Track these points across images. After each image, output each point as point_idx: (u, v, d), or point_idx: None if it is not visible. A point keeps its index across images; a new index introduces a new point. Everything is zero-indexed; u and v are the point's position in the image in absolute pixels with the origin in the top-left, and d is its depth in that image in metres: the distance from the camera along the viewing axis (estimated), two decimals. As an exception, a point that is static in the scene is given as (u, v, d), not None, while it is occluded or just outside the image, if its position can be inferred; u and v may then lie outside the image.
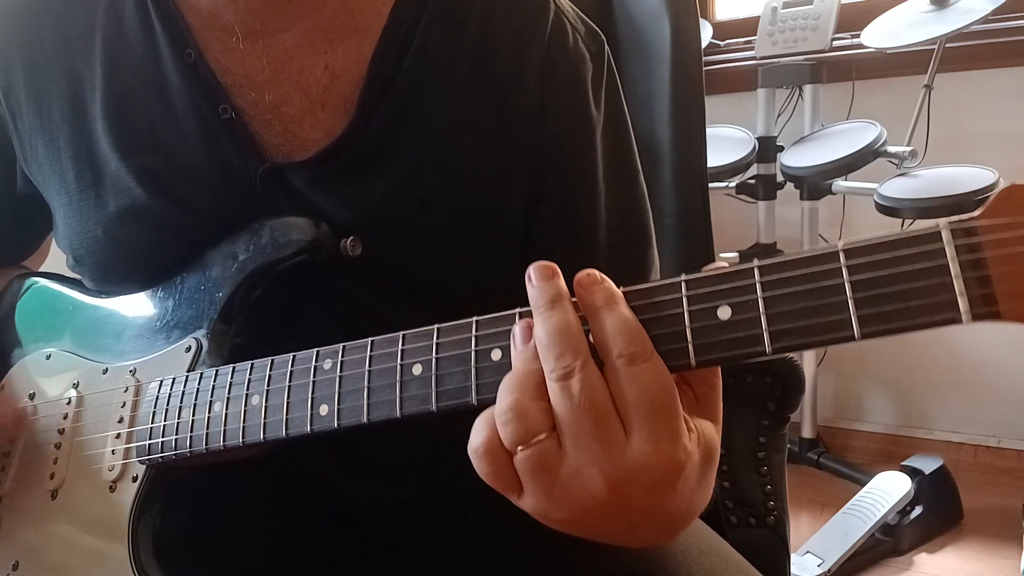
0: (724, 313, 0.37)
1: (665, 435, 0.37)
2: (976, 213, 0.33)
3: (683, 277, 0.39)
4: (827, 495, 1.88)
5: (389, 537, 0.65)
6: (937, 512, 1.73)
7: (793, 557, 1.52)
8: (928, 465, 1.75)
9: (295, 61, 0.59)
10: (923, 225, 0.34)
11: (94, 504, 0.58)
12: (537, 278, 0.40)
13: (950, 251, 0.33)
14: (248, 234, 0.58)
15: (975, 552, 1.68)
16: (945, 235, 0.33)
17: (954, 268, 0.33)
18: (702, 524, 0.69)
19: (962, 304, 0.33)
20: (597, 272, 0.40)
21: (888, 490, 1.67)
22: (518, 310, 0.42)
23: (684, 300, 0.38)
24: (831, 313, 0.35)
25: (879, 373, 2.19)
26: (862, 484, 1.74)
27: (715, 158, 1.88)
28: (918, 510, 1.70)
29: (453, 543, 0.65)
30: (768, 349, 0.36)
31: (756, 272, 0.37)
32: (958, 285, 0.33)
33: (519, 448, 0.38)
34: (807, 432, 2.09)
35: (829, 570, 1.52)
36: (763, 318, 0.36)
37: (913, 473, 1.73)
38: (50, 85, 0.63)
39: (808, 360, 2.03)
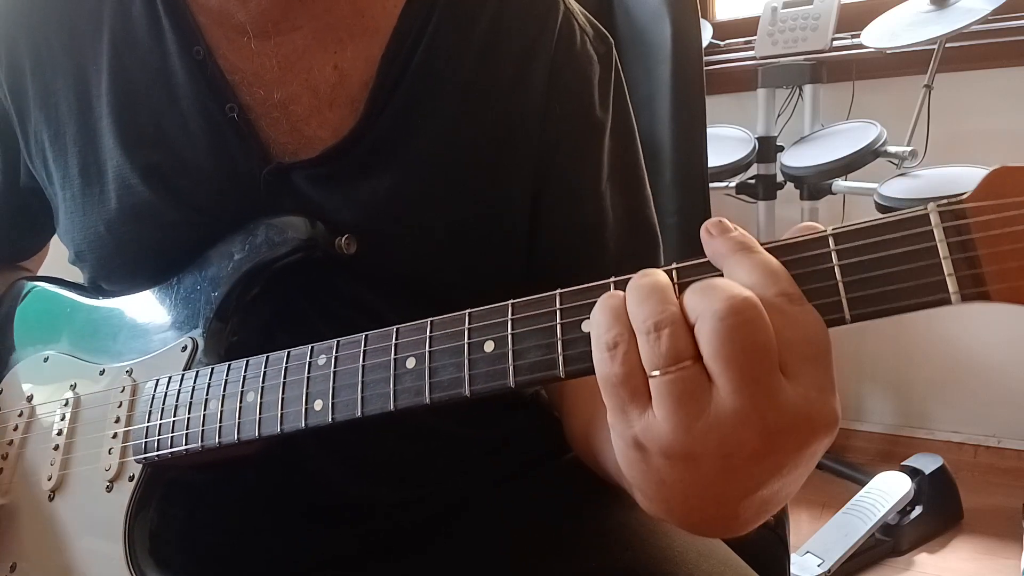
0: None
1: (828, 383, 0.34)
2: (964, 195, 0.33)
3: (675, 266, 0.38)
4: (827, 495, 1.88)
5: (385, 538, 0.64)
6: (937, 512, 1.73)
7: (793, 557, 1.52)
8: (928, 465, 1.75)
9: (304, 60, 0.59)
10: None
11: (91, 504, 0.58)
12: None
13: (938, 233, 0.33)
14: (244, 233, 0.58)
15: (975, 552, 1.68)
16: (934, 218, 0.34)
17: (943, 250, 0.33)
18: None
19: (951, 285, 0.33)
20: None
21: (888, 490, 1.67)
22: (511, 302, 0.42)
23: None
24: (821, 297, 0.35)
25: (879, 373, 2.19)
26: (862, 484, 1.74)
27: (715, 158, 1.88)
28: (918, 510, 1.70)
29: (448, 544, 0.65)
30: None
31: None
32: (947, 266, 0.33)
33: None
34: (807, 432, 2.08)
35: (829, 570, 1.52)
36: None
37: (913, 473, 1.73)
38: (57, 80, 0.63)
39: (808, 360, 2.02)
